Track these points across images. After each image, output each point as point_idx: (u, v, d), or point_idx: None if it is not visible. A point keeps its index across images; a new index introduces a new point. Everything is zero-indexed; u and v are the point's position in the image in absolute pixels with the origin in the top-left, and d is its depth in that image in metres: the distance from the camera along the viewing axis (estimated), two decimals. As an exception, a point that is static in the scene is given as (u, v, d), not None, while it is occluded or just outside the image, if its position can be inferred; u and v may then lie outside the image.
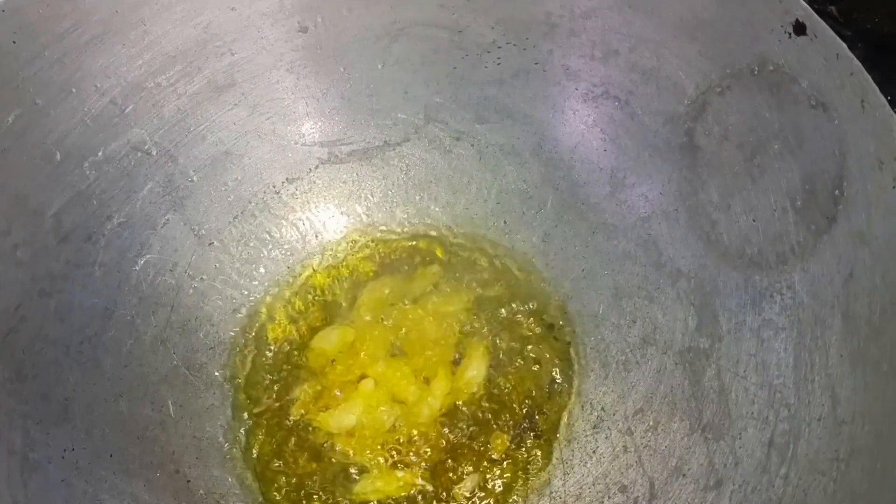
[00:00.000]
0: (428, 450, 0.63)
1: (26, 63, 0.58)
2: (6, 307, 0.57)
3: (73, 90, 0.60)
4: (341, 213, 0.72)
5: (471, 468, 0.62)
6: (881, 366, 0.49)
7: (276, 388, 0.66)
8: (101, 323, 0.62)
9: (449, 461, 0.62)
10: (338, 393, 0.65)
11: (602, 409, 0.63)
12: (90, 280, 0.62)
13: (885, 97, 0.50)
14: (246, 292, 0.69)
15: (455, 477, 0.62)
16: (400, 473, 0.62)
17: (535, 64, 0.66)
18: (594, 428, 0.63)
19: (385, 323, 0.67)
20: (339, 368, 0.66)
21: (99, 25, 0.60)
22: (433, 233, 0.72)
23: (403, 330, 0.66)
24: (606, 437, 0.62)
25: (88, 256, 0.62)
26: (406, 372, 0.65)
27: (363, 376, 0.65)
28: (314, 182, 0.72)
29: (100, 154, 0.63)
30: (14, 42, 0.57)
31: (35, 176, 0.59)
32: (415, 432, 0.63)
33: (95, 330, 0.61)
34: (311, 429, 0.64)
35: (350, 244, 0.72)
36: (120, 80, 0.62)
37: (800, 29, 0.53)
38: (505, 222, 0.71)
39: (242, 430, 0.65)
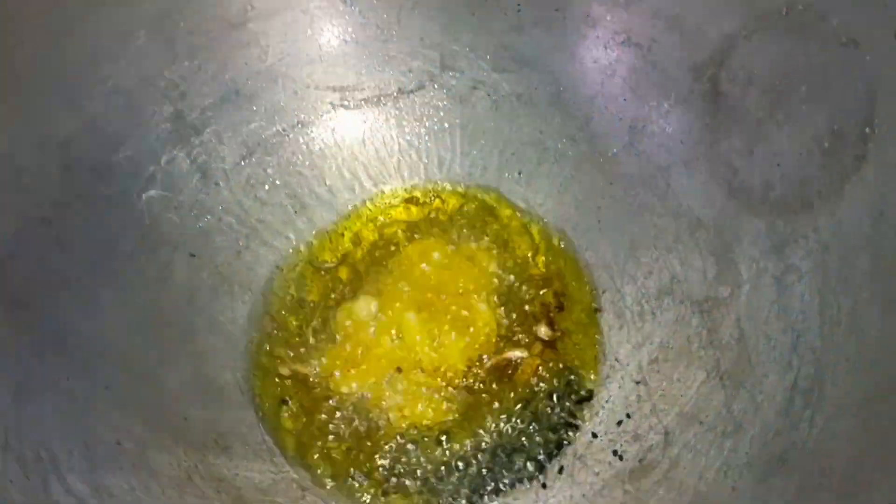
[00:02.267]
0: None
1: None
2: (6, 231, 0.55)
3: (86, 16, 0.59)
4: (352, 159, 0.70)
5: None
6: (913, 304, 0.47)
7: (280, 334, 0.64)
8: (103, 256, 0.60)
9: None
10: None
11: (616, 359, 0.62)
12: (93, 211, 0.60)
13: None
14: (251, 235, 0.67)
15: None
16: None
17: (556, 11, 0.65)
18: (606, 377, 0.61)
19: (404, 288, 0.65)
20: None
21: (112, -47, 0.59)
22: (447, 183, 0.70)
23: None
24: (620, 387, 0.60)
25: (92, 187, 0.60)
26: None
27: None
28: (325, 127, 0.70)
29: (109, 84, 0.61)
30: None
31: (43, 102, 0.58)
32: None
33: (96, 262, 0.60)
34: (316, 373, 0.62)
35: (360, 191, 0.70)
36: (132, 12, 0.61)
37: (832, -37, 0.52)
38: (520, 173, 0.69)
39: (244, 375, 0.63)
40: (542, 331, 0.64)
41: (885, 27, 0.50)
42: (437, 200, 0.70)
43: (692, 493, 0.52)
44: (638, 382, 0.60)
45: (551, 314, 0.65)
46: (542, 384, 0.62)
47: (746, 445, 0.52)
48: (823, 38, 0.53)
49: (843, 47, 0.52)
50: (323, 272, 0.67)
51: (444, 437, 0.61)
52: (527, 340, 0.64)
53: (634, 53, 0.64)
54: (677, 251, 0.62)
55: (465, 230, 0.68)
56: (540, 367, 0.62)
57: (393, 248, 0.68)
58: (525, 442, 0.60)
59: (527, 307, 0.65)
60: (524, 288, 0.66)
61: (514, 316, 0.65)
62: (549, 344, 0.64)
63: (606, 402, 0.60)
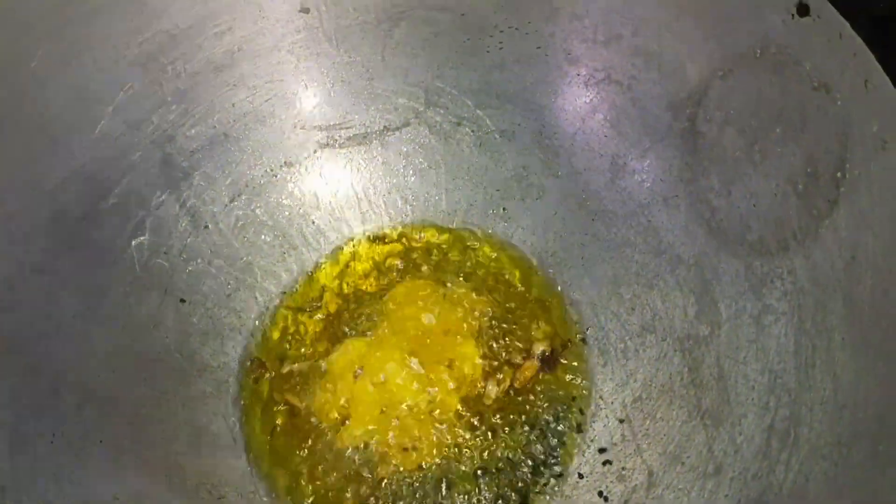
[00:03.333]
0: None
1: (24, 33, 0.57)
2: (-2, 281, 0.56)
3: (72, 63, 0.60)
4: (339, 198, 0.71)
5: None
6: (883, 349, 0.48)
7: (270, 376, 0.65)
8: (94, 302, 0.61)
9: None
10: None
11: (600, 397, 0.62)
12: (83, 258, 0.61)
13: (889, 76, 0.49)
14: (241, 278, 0.68)
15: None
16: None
17: (538, 48, 0.66)
18: (592, 416, 0.62)
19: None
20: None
21: (98, -1, 0.60)
22: (432, 220, 0.71)
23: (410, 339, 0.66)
24: (605, 426, 0.61)
25: (82, 235, 0.61)
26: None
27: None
28: (312, 166, 0.71)
29: (97, 131, 0.62)
30: (12, 11, 0.57)
31: (32, 151, 0.59)
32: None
33: (88, 308, 0.61)
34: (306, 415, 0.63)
35: (348, 230, 0.71)
36: (119, 56, 0.62)
37: (803, 10, 0.52)
38: (504, 209, 0.70)
39: (234, 419, 0.64)
40: (540, 349, 0.65)
41: (855, 74, 0.50)
42: (424, 240, 0.70)
43: (673, 535, 0.53)
44: (622, 421, 0.61)
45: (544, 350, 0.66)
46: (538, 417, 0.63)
47: (726, 487, 0.53)
48: (797, 81, 0.54)
49: (815, 91, 0.53)
50: (311, 313, 0.68)
51: (442, 483, 0.61)
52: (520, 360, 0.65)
53: (615, 90, 0.65)
54: (659, 288, 0.63)
55: (451, 269, 0.69)
56: (539, 374, 0.63)
57: (381, 288, 0.69)
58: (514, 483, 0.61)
59: (517, 343, 0.66)
60: (512, 326, 0.67)
61: (503, 355, 0.65)
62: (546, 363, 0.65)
63: (592, 440, 0.61)
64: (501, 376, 0.64)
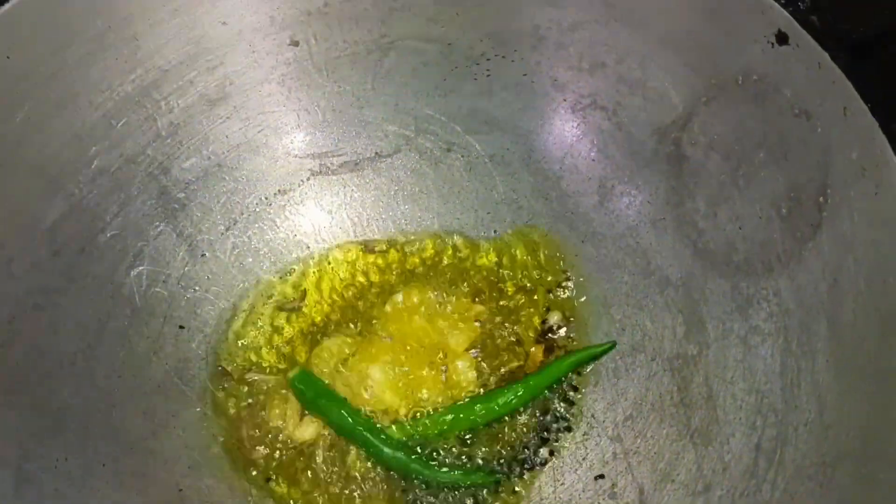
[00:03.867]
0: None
1: (20, 78, 0.58)
2: (0, 321, 0.57)
3: (68, 105, 0.61)
4: (333, 224, 0.73)
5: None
6: (866, 370, 0.50)
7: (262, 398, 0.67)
8: (95, 334, 0.62)
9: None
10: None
11: (592, 416, 0.64)
12: (83, 292, 0.62)
13: (867, 104, 0.50)
14: (238, 303, 0.69)
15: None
16: None
17: (524, 76, 0.67)
18: (584, 435, 0.63)
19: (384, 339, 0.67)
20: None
21: (92, 41, 0.61)
22: (425, 243, 0.72)
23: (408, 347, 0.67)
24: (597, 444, 0.63)
25: (81, 269, 0.62)
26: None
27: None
28: (305, 194, 0.72)
29: (93, 166, 0.63)
30: (8, 57, 0.58)
31: (29, 190, 0.60)
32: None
33: (89, 342, 0.62)
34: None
35: (342, 255, 0.72)
36: (113, 94, 0.63)
37: (782, 39, 0.54)
38: (495, 232, 0.71)
39: (231, 442, 0.65)
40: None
41: (835, 101, 0.52)
42: (417, 259, 0.72)
43: (665, 553, 0.55)
44: (613, 439, 0.62)
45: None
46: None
47: (715, 505, 0.54)
48: (778, 108, 0.56)
49: (796, 118, 0.55)
50: (310, 335, 0.69)
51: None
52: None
53: (601, 116, 0.66)
54: (648, 309, 0.64)
55: (444, 284, 0.70)
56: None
57: (376, 310, 0.70)
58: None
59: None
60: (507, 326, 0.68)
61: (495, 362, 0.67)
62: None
63: (584, 459, 0.62)
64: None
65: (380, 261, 0.71)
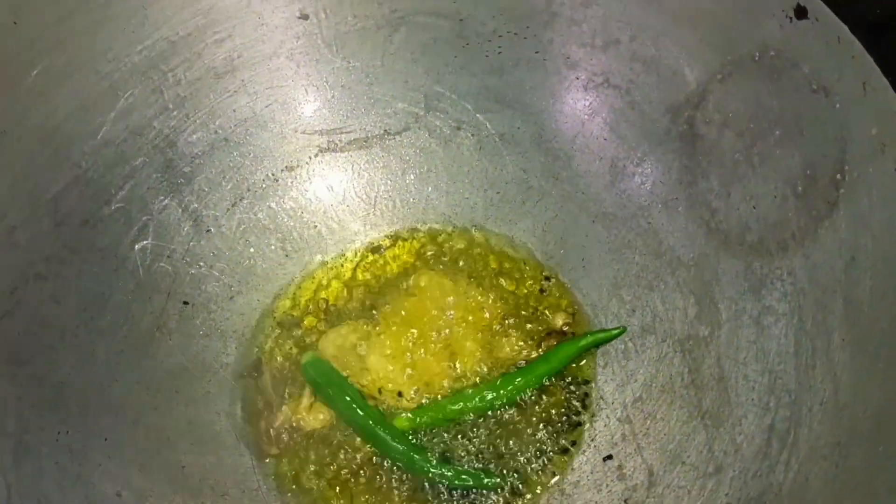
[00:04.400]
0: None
1: (26, 46, 0.58)
2: (2, 290, 0.57)
3: (74, 74, 0.60)
4: (340, 202, 0.72)
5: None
6: (882, 350, 0.49)
7: (270, 377, 0.66)
8: (97, 308, 0.61)
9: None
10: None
11: (601, 397, 0.63)
12: (86, 265, 0.61)
13: (888, 79, 0.49)
14: (243, 280, 0.68)
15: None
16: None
17: (536, 53, 0.66)
18: (592, 416, 0.63)
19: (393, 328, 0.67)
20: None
21: (100, 10, 0.60)
22: (434, 223, 0.71)
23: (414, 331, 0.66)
24: (605, 426, 0.62)
25: (85, 241, 0.62)
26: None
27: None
28: (313, 170, 0.71)
29: (99, 138, 0.62)
30: (14, 23, 0.57)
31: (34, 159, 0.59)
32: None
33: (91, 315, 0.61)
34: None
35: (350, 234, 0.71)
36: (120, 64, 0.62)
37: (801, 13, 0.53)
38: (505, 212, 0.70)
39: (239, 417, 0.64)
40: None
41: (854, 77, 0.51)
42: (427, 239, 0.71)
43: (674, 534, 0.54)
44: (622, 421, 0.61)
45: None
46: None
47: (726, 486, 0.54)
48: (795, 84, 0.55)
49: (814, 94, 0.54)
50: (313, 314, 0.69)
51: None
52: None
53: (613, 94, 0.65)
54: (659, 290, 0.63)
55: (458, 267, 0.69)
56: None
57: (384, 287, 0.69)
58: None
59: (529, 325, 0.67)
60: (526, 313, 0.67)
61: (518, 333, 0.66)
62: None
63: (593, 440, 0.62)
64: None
65: (399, 249, 0.71)
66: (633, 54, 0.63)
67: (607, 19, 0.63)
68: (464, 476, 0.60)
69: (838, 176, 0.52)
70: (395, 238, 0.71)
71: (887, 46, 0.51)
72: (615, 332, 0.63)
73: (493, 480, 0.60)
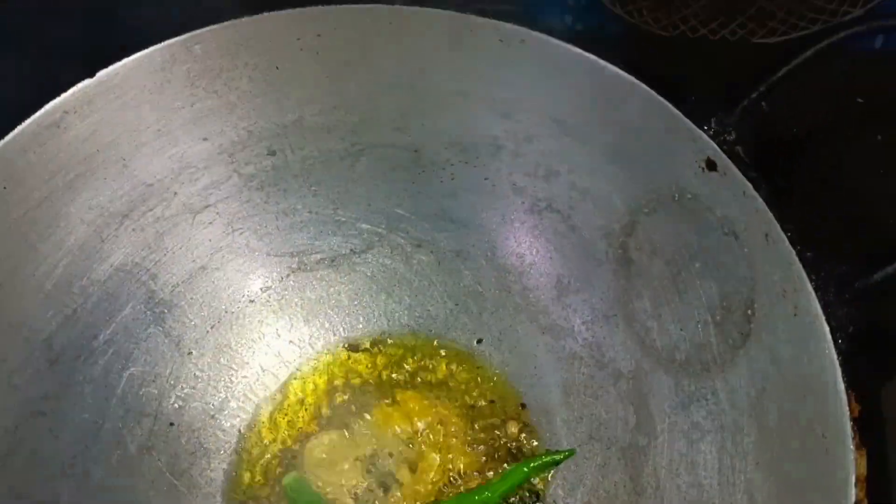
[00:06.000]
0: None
1: (15, 206, 0.63)
2: (4, 430, 0.62)
3: (60, 224, 0.66)
4: (313, 317, 0.78)
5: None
6: (792, 476, 0.54)
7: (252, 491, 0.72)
8: (92, 436, 0.67)
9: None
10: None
11: (554, 501, 0.69)
12: (80, 397, 0.67)
13: (786, 232, 0.55)
14: (224, 398, 0.74)
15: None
16: None
17: (486, 179, 0.72)
18: (545, 522, 0.69)
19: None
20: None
21: (82, 165, 0.66)
22: (398, 334, 0.77)
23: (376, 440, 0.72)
24: (558, 530, 0.68)
25: (78, 374, 0.67)
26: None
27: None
28: (286, 289, 0.77)
29: (85, 279, 0.68)
30: (4, 188, 0.63)
31: (27, 306, 0.65)
32: None
33: (86, 444, 0.67)
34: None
35: (322, 345, 0.77)
36: (103, 210, 0.68)
37: (711, 165, 0.59)
38: (464, 322, 0.76)
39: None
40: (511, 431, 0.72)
41: (757, 227, 0.57)
42: (393, 351, 0.77)
43: None
44: (572, 527, 0.67)
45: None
46: None
47: (660, 593, 0.60)
48: (709, 225, 0.61)
49: (725, 237, 0.60)
50: (290, 426, 0.74)
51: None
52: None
53: (556, 218, 0.71)
54: (603, 399, 0.69)
55: (420, 379, 0.75)
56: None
57: (350, 396, 0.75)
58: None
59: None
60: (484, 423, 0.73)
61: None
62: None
63: (545, 543, 0.68)
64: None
65: (367, 361, 0.77)
66: (572, 184, 0.69)
67: (547, 154, 0.69)
68: None
69: (749, 311, 0.59)
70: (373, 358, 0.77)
71: (789, 199, 0.57)
72: (566, 453, 0.69)
73: None
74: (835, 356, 0.52)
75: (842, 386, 0.51)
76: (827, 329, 0.52)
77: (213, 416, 0.74)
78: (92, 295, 0.69)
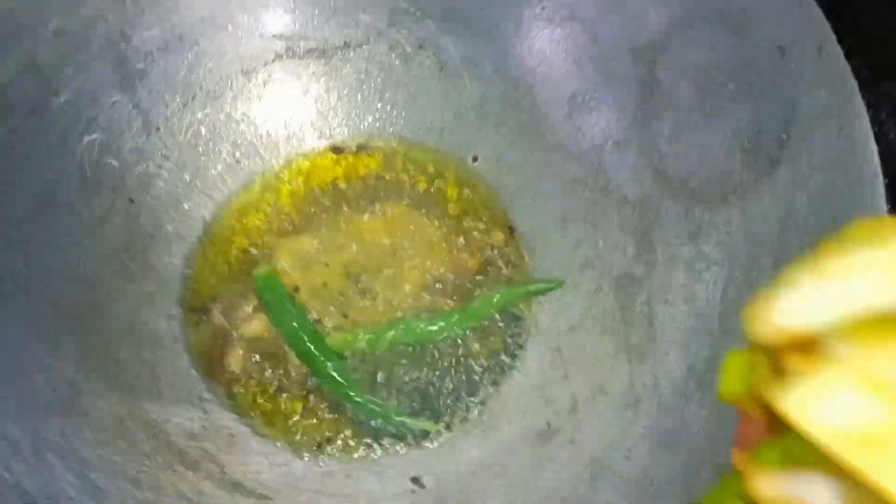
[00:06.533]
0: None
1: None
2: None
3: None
4: (295, 111, 0.71)
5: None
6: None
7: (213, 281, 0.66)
8: (41, 200, 0.61)
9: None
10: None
11: (535, 325, 0.65)
12: (32, 156, 0.60)
13: (841, 46, 0.51)
14: (191, 182, 0.68)
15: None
16: None
17: (504, -24, 0.66)
18: (526, 342, 0.65)
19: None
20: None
21: None
22: (390, 140, 0.71)
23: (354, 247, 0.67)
24: (538, 352, 0.65)
25: (32, 131, 0.60)
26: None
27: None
28: (269, 76, 0.70)
29: (51, 26, 0.60)
30: None
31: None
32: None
33: (34, 208, 0.60)
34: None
35: (300, 144, 0.71)
36: (74, -49, 0.60)
37: (767, -30, 0.53)
38: (461, 136, 0.71)
39: (178, 321, 0.65)
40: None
41: (810, 40, 0.52)
42: (376, 155, 0.71)
43: (590, 458, 0.57)
44: (553, 350, 0.64)
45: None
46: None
47: (643, 417, 0.57)
48: (753, 41, 0.56)
49: (770, 53, 0.55)
50: (259, 218, 0.69)
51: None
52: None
53: (578, 28, 0.65)
54: (603, 227, 0.65)
55: (405, 183, 0.70)
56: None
57: (330, 200, 0.70)
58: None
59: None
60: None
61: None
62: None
63: (523, 364, 0.64)
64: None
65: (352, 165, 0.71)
66: (601, -10, 0.63)
67: (578, -49, 0.62)
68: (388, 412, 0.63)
69: (784, 135, 0.54)
70: (345, 151, 0.71)
71: (848, 13, 0.52)
72: (553, 283, 0.65)
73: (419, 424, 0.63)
74: (881, 180, 0.48)
75: (885, 210, 0.48)
76: (875, 150, 0.49)
77: (177, 200, 0.67)
78: (56, 46, 0.61)
